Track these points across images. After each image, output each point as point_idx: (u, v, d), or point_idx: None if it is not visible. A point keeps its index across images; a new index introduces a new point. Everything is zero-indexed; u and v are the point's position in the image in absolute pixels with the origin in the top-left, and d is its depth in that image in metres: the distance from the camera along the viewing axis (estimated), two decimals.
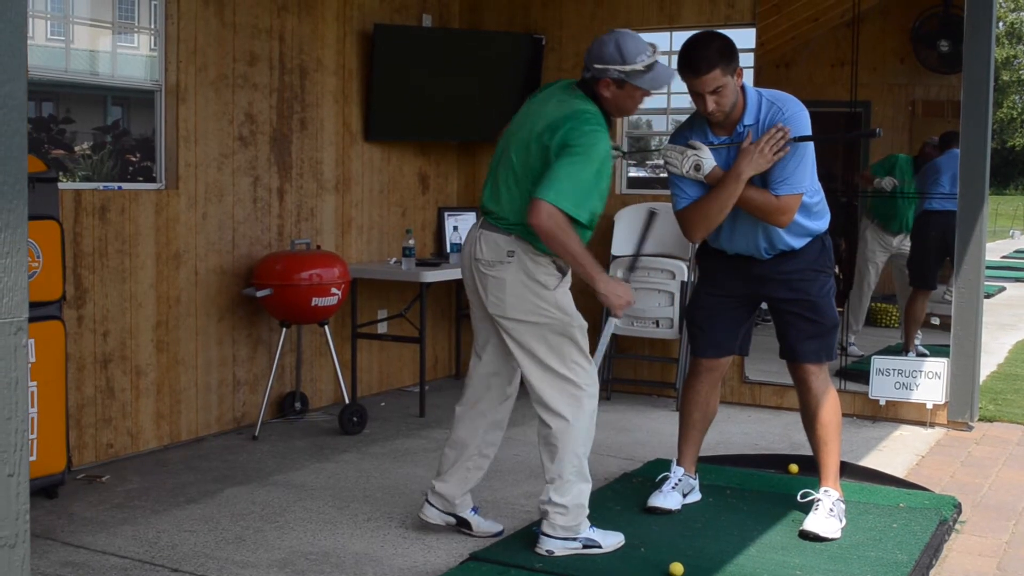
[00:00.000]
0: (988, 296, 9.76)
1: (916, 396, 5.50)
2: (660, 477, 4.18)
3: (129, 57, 5.49)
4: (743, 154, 3.66)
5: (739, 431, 5.47)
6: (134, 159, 6.23)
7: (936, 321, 5.89)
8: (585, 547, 3.58)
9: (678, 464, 4.18)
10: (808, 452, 4.12)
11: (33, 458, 4.00)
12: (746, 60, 5.01)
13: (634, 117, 6.88)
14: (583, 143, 3.38)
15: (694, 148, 3.74)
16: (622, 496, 4.26)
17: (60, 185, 4.40)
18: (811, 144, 3.74)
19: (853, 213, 6.01)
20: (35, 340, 4.01)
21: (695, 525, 3.93)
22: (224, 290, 5.26)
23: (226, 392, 5.31)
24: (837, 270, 4.25)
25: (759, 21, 5.92)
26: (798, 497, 4.01)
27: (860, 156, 6.01)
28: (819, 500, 3.88)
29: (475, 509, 3.87)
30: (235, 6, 5.22)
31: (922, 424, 5.54)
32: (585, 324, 3.64)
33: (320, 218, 5.81)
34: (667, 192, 3.92)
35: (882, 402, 5.60)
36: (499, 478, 4.40)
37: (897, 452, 5.08)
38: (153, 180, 5.09)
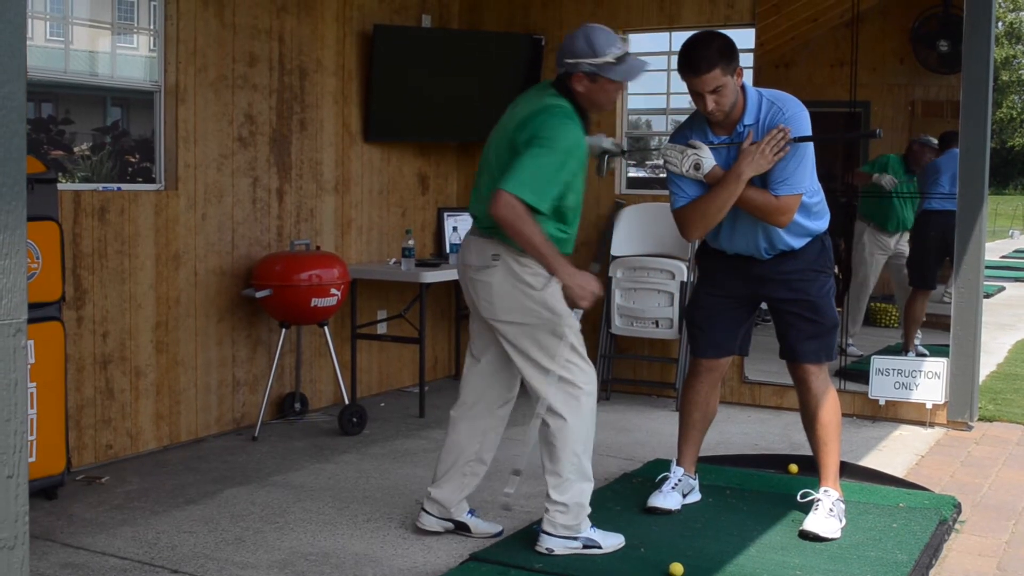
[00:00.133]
0: (987, 296, 9.76)
1: (916, 396, 5.50)
2: (660, 477, 4.18)
3: (128, 58, 5.49)
4: (744, 155, 3.66)
5: (739, 431, 5.47)
6: (133, 160, 6.22)
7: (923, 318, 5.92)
8: (585, 547, 3.58)
9: (678, 464, 4.18)
10: (808, 452, 4.12)
11: (32, 459, 4.00)
12: (745, 60, 5.01)
13: (633, 117, 6.88)
14: (547, 134, 3.41)
15: (694, 147, 3.74)
16: (622, 496, 4.26)
17: (59, 186, 4.40)
18: (811, 144, 3.74)
19: (852, 213, 6.01)
20: (34, 341, 4.01)
21: (695, 525, 3.93)
22: (224, 291, 5.26)
23: (226, 393, 5.31)
24: (837, 270, 4.25)
25: (758, 21, 5.92)
26: (798, 497, 4.01)
27: (859, 157, 6.01)
28: (819, 500, 3.88)
29: (472, 512, 3.87)
30: (234, 7, 5.22)
31: (922, 424, 5.55)
32: (578, 323, 3.64)
33: (320, 219, 5.81)
34: (666, 192, 3.92)
35: (882, 402, 5.60)
36: (498, 479, 4.40)
37: (897, 452, 5.08)
38: (152, 181, 5.09)
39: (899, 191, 5.88)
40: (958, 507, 4.15)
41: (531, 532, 3.70)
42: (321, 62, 5.75)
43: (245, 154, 5.33)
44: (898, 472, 4.68)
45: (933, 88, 5.97)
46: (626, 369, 6.40)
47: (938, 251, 5.79)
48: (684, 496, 4.13)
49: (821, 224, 3.89)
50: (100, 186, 4.86)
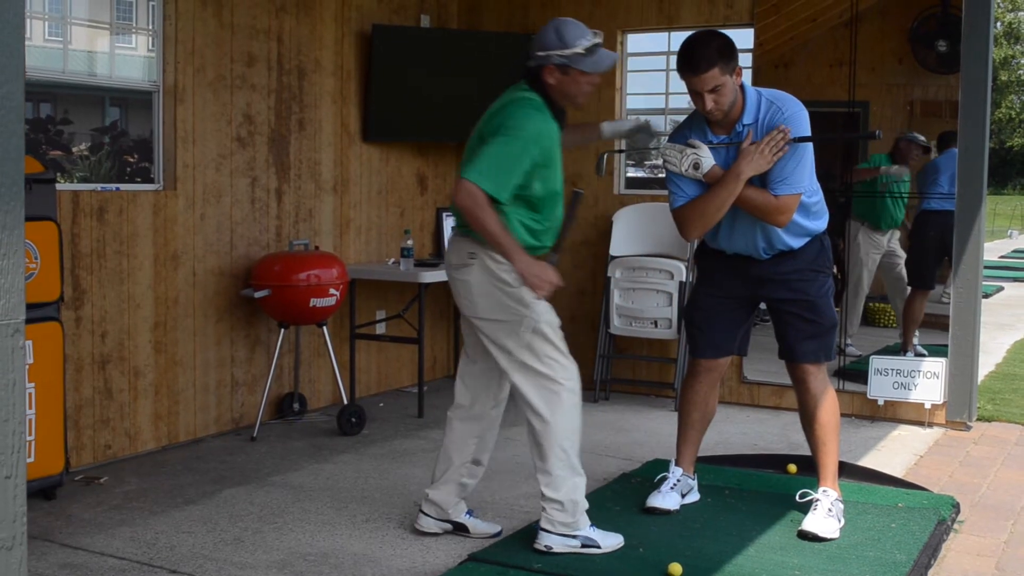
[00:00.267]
0: (986, 296, 9.76)
1: (914, 396, 5.50)
2: (659, 477, 4.18)
3: (127, 58, 5.49)
4: (743, 154, 3.66)
5: (738, 431, 5.47)
6: (132, 160, 6.22)
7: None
8: (584, 546, 3.58)
9: (677, 464, 4.18)
10: (806, 452, 4.12)
11: (31, 459, 4.00)
12: (744, 61, 5.00)
13: (632, 117, 6.87)
14: (511, 124, 3.46)
15: (693, 147, 3.74)
16: (621, 496, 4.26)
17: (58, 186, 4.40)
18: (810, 144, 3.74)
19: (849, 214, 6.01)
20: (33, 341, 4.00)
21: (694, 525, 3.93)
22: (222, 291, 5.26)
23: (224, 393, 5.31)
24: (835, 270, 4.25)
25: (757, 21, 5.93)
26: (797, 497, 4.01)
27: (858, 157, 6.02)
28: (818, 500, 3.88)
29: (470, 512, 3.86)
30: (233, 7, 5.22)
31: (920, 424, 5.55)
32: (557, 320, 3.64)
33: (318, 219, 5.81)
34: (665, 192, 3.92)
35: (880, 402, 5.60)
36: (497, 479, 4.40)
37: (895, 452, 5.08)
38: (151, 181, 5.09)
39: (889, 190, 5.90)
40: (957, 507, 4.15)
41: (530, 532, 3.70)
42: (320, 62, 5.75)
43: (244, 154, 5.33)
44: (897, 472, 4.68)
45: (932, 88, 5.98)
46: (625, 369, 6.40)
47: (937, 251, 5.79)
48: (683, 496, 4.13)
49: (820, 224, 3.89)
50: (99, 186, 4.86)
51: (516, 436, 4.91)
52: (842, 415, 4.10)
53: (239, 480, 4.53)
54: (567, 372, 3.61)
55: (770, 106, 3.71)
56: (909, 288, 6.04)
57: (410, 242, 5.77)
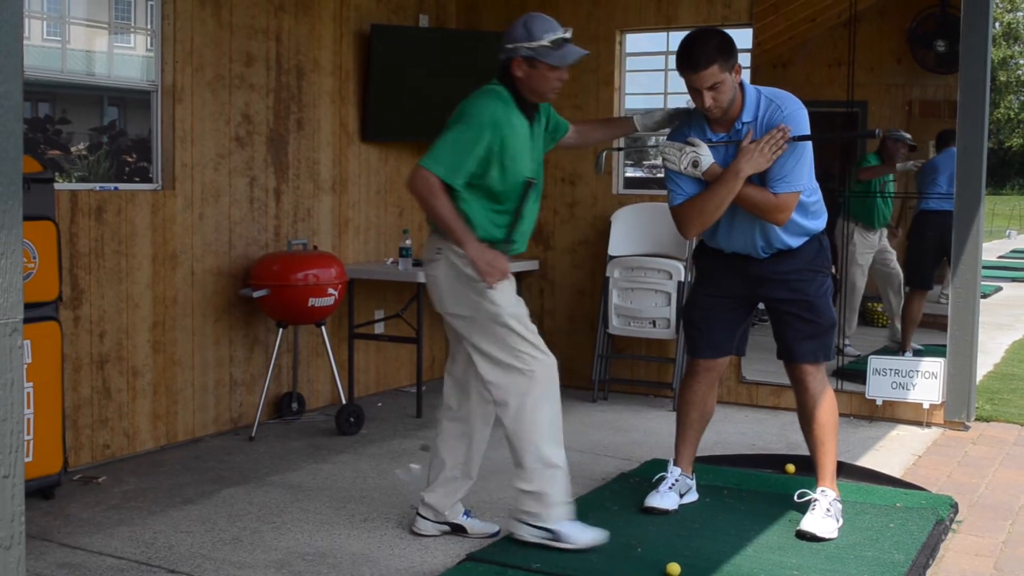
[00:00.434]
0: (984, 296, 9.77)
1: (913, 396, 5.50)
2: (657, 477, 4.17)
3: (125, 57, 5.48)
4: (743, 153, 3.66)
5: (736, 431, 5.47)
6: (130, 160, 6.21)
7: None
8: (555, 540, 3.56)
9: (675, 464, 4.17)
10: (805, 452, 4.12)
11: (29, 459, 4.00)
12: (743, 61, 5.01)
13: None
14: (467, 111, 3.52)
15: (692, 145, 3.74)
16: (619, 496, 4.26)
17: (56, 186, 4.40)
18: (809, 143, 3.74)
19: (848, 214, 6.02)
20: (31, 341, 4.00)
21: (692, 525, 3.93)
22: (221, 291, 5.26)
23: (223, 393, 5.31)
24: (834, 270, 4.25)
25: (756, 21, 5.93)
26: (795, 497, 4.01)
27: (858, 156, 6.02)
28: (816, 500, 3.88)
29: (467, 513, 3.86)
30: (232, 7, 5.22)
31: (919, 424, 5.55)
32: (524, 312, 3.62)
33: (317, 218, 5.81)
34: (664, 192, 3.92)
35: (879, 402, 5.61)
36: (494, 479, 4.40)
37: (894, 452, 5.08)
38: (149, 181, 5.09)
39: (877, 189, 5.92)
40: (955, 507, 4.15)
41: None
42: (318, 62, 5.75)
43: (242, 154, 5.33)
44: (895, 472, 4.68)
45: (931, 88, 5.98)
46: (623, 369, 6.40)
47: (935, 251, 5.79)
48: (681, 496, 4.13)
49: (819, 223, 3.90)
50: (97, 186, 4.85)
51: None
52: (840, 415, 4.10)
53: (237, 480, 4.53)
54: (537, 363, 3.57)
55: (769, 104, 3.72)
56: (907, 288, 6.05)
57: (408, 242, 5.77)
